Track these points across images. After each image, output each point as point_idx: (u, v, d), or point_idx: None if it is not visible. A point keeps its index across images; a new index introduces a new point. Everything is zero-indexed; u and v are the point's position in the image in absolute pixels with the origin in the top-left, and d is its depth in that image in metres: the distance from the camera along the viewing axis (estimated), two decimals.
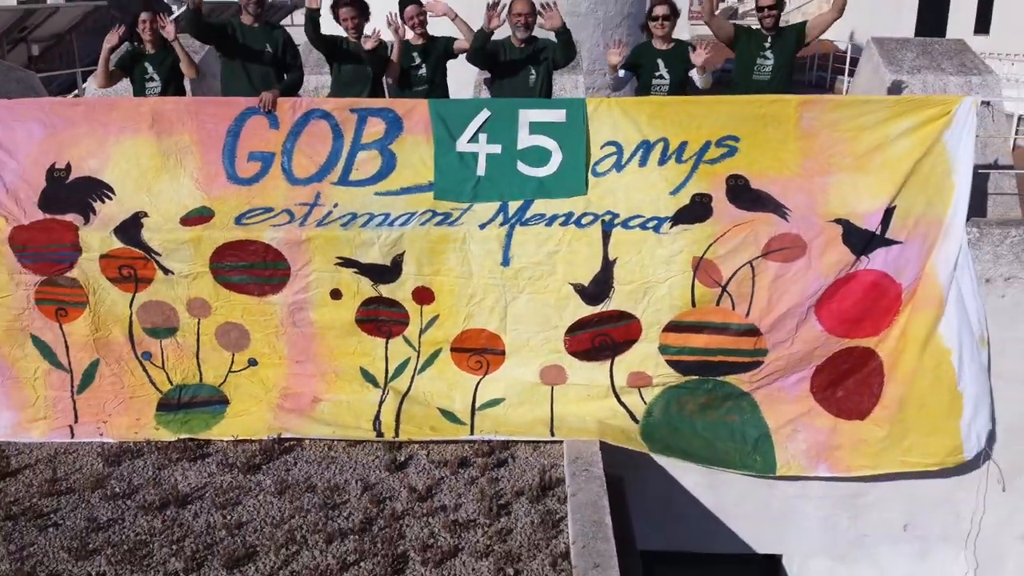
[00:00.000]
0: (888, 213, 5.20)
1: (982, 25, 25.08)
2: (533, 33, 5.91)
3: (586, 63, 8.21)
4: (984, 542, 5.92)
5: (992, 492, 5.64)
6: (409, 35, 5.96)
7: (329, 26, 5.98)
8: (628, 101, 5.60)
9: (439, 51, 6.04)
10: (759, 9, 5.80)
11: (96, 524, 4.65)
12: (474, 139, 5.48)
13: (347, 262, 5.42)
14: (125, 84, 6.28)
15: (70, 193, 5.58)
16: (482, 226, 5.40)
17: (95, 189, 5.58)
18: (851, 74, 16.32)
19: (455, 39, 6.06)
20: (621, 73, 5.95)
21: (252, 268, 5.44)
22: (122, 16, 11.14)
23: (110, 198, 5.55)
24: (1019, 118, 13.50)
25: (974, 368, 5.25)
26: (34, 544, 4.48)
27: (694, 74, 5.82)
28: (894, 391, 5.29)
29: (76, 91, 10.21)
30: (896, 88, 6.47)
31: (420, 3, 5.90)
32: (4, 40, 15.88)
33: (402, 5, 5.93)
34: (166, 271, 5.46)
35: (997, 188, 6.49)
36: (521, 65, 5.93)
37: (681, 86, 5.84)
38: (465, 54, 5.96)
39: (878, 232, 5.19)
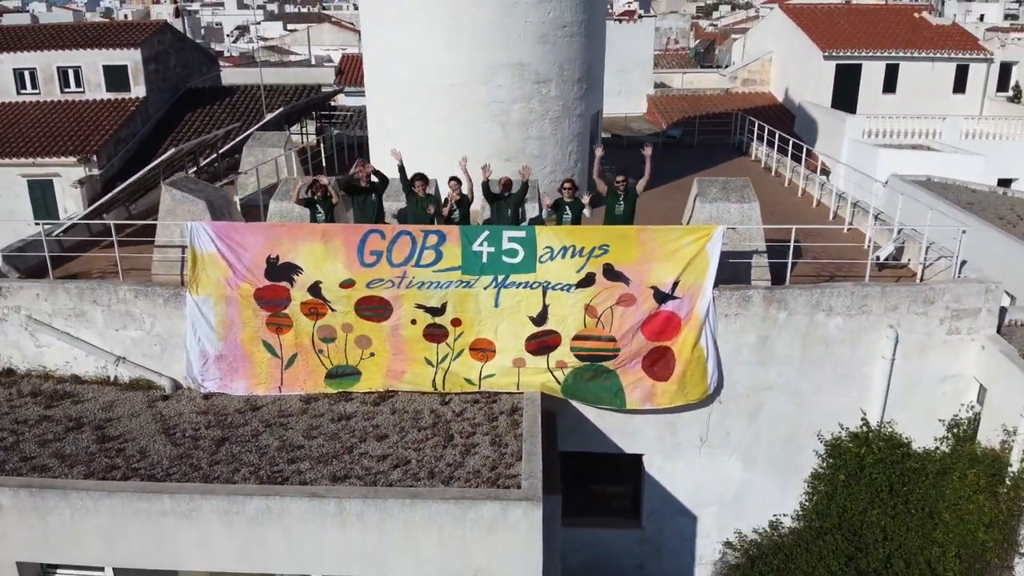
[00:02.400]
0: (675, 283, 10.99)
1: (890, 86, 30.81)
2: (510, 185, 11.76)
3: (541, 191, 13.90)
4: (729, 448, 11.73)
5: (715, 414, 11.45)
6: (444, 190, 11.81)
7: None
8: (555, 228, 11.40)
9: (465, 203, 11.87)
10: (617, 182, 11.62)
11: (308, 428, 10.46)
12: (480, 244, 11.22)
13: (419, 306, 11.20)
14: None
15: (280, 271, 11.37)
16: (485, 288, 11.17)
17: (294, 270, 11.37)
18: (759, 139, 22.08)
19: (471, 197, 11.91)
20: (545, 212, 11.78)
21: (374, 309, 11.22)
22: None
23: (301, 273, 11.34)
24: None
25: (713, 358, 11.09)
26: (283, 437, 10.30)
27: (585, 212, 11.65)
28: (679, 367, 11.10)
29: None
30: (702, 210, 12.19)
31: (459, 180, 11.72)
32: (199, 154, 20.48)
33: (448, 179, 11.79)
34: (332, 310, 11.25)
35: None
36: (505, 203, 11.76)
37: (578, 219, 11.65)
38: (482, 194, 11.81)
39: (669, 292, 10.98)
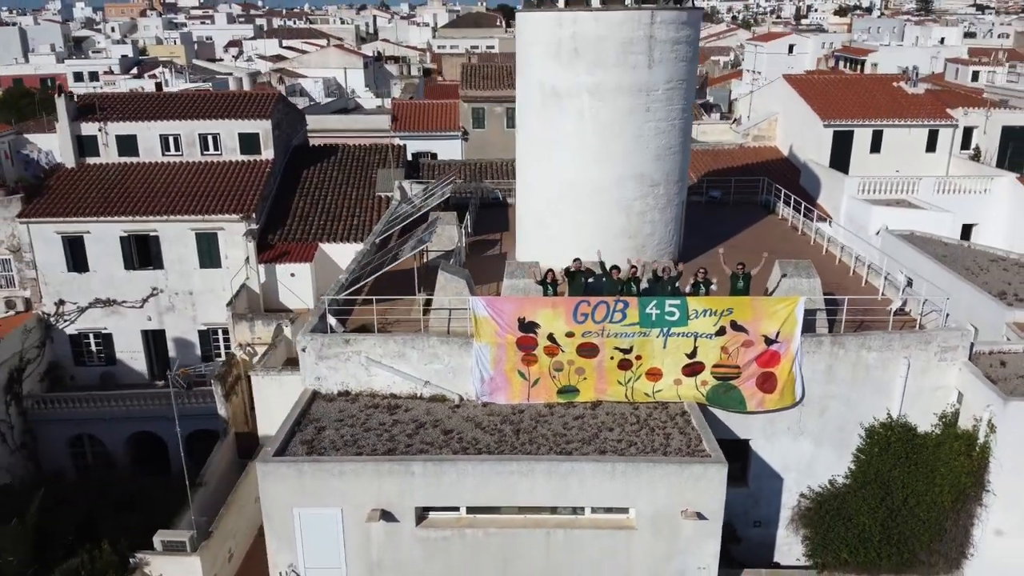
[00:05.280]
0: (777, 333, 17.97)
1: (876, 148, 38.31)
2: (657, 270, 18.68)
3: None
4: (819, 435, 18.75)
5: (798, 413, 18.46)
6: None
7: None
8: (699, 298, 18.29)
9: (637, 282, 18.74)
10: (737, 266, 18.57)
11: (563, 424, 17.24)
12: (650, 309, 18.04)
13: (616, 348, 18.03)
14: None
15: (528, 327, 18.12)
16: (656, 336, 18.05)
17: (536, 326, 18.11)
18: (785, 201, 29.30)
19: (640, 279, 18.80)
20: (689, 288, 18.72)
21: (587, 350, 18.03)
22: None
23: (540, 328, 18.10)
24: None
25: (800, 379, 18.12)
26: (550, 428, 17.09)
27: (713, 287, 18.59)
28: (779, 385, 18.09)
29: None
30: (786, 283, 19.10)
31: (635, 266, 18.61)
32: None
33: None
34: (562, 351, 18.03)
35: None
36: (666, 282, 18.65)
37: (708, 292, 18.56)
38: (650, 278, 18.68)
39: (774, 338, 17.95)
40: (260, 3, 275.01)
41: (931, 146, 37.85)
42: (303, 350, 18.27)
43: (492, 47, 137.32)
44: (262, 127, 35.75)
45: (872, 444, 18.68)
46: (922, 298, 19.84)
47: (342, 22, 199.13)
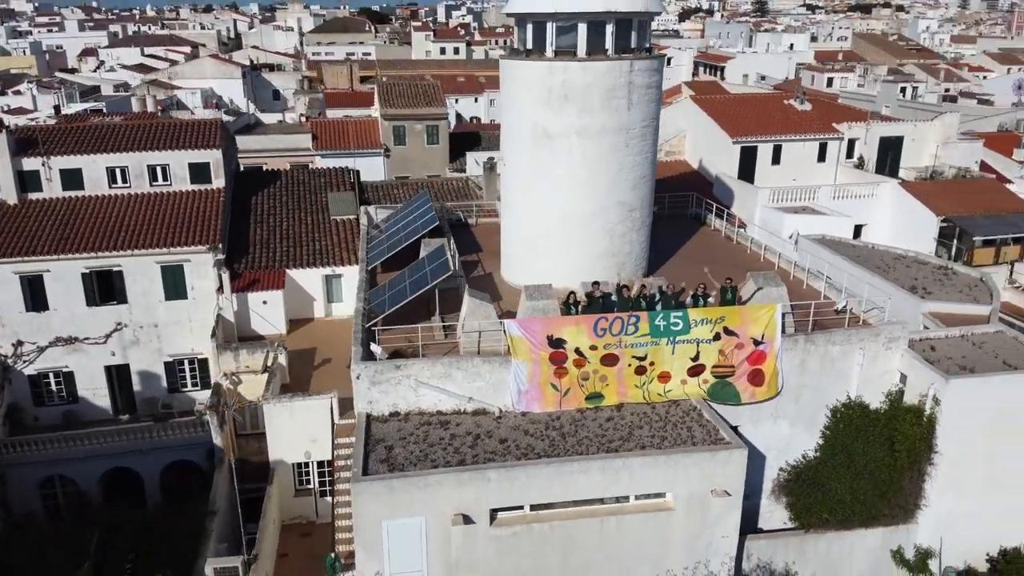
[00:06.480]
0: (763, 335, 21.45)
1: (776, 160, 43.15)
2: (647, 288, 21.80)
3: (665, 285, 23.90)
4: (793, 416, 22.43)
5: (778, 400, 22.11)
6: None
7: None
8: (697, 309, 21.51)
9: (647, 298, 21.74)
10: (727, 280, 21.95)
11: (599, 425, 19.99)
12: (659, 321, 21.10)
13: (633, 356, 20.95)
14: None
15: (556, 343, 20.73)
16: (665, 344, 21.11)
17: (563, 342, 20.76)
18: (716, 214, 33.20)
19: (658, 296, 21.83)
20: (689, 301, 21.95)
21: (610, 360, 20.85)
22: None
23: (567, 343, 20.75)
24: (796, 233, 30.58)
25: (781, 373, 21.70)
26: (588, 430, 19.81)
27: (711, 299, 21.90)
28: (766, 379, 21.60)
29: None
30: (760, 293, 22.64)
31: (641, 285, 21.59)
32: None
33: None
34: (588, 361, 20.76)
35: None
36: (671, 298, 21.75)
37: (706, 304, 21.86)
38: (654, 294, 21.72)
39: (760, 339, 21.42)
40: (95, 3, 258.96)
41: (822, 157, 43.19)
42: (357, 377, 20.06)
43: (369, 54, 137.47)
44: (213, 156, 36.20)
45: (836, 422, 22.54)
46: (863, 298, 23.96)
47: (202, 27, 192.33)
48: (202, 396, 34.07)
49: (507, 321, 20.62)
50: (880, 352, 22.48)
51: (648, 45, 24.92)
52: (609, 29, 23.61)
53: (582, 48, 23.74)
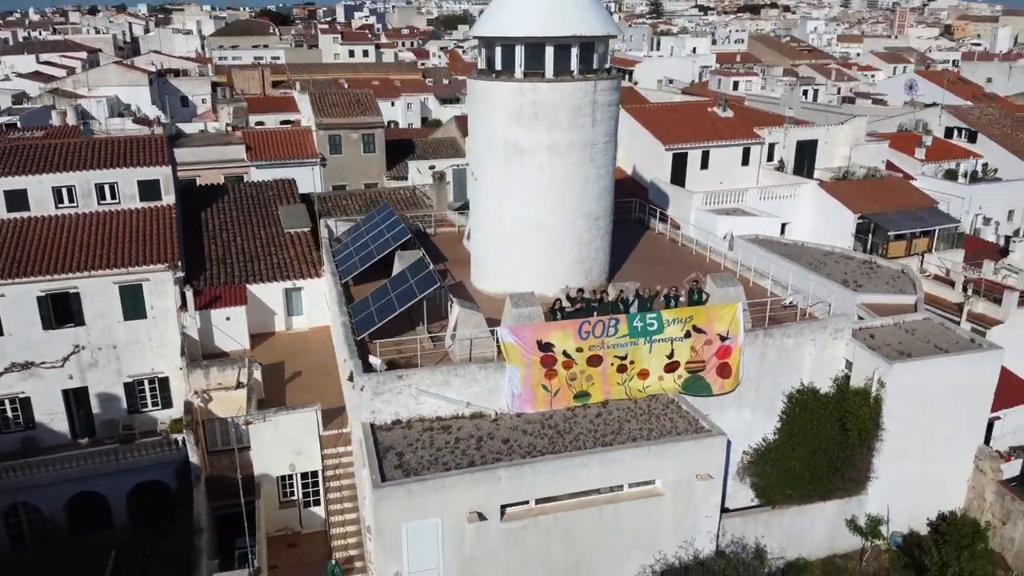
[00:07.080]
0: (728, 331, 23.56)
1: (704, 165, 45.82)
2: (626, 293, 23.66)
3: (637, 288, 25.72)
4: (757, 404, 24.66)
5: (741, 390, 24.33)
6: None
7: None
8: (670, 310, 23.44)
9: (625, 302, 23.51)
10: (695, 282, 23.99)
11: (590, 422, 21.63)
12: (637, 322, 22.93)
13: (615, 356, 22.68)
14: None
15: (545, 347, 22.24)
16: (643, 343, 22.94)
17: (552, 346, 22.29)
18: (659, 218, 35.50)
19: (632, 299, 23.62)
20: (663, 300, 23.87)
21: (595, 361, 22.52)
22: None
23: (555, 347, 22.31)
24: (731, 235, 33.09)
25: (744, 365, 23.88)
26: (581, 426, 21.43)
27: (682, 299, 23.87)
28: (732, 372, 23.72)
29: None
30: (721, 292, 24.77)
31: (620, 290, 23.35)
32: None
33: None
34: (576, 363, 22.36)
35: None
36: (647, 301, 23.59)
37: (677, 304, 23.84)
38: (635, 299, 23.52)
39: (726, 335, 23.52)
40: None
41: (745, 160, 46.21)
42: (362, 389, 21.04)
43: (278, 57, 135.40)
44: (162, 173, 35.95)
45: (792, 406, 24.92)
46: (809, 294, 26.47)
47: (97, 31, 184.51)
48: (164, 415, 34.06)
49: (500, 329, 21.99)
50: (828, 342, 24.98)
51: (608, 66, 26.73)
52: (574, 52, 25.28)
53: (550, 70, 25.32)
